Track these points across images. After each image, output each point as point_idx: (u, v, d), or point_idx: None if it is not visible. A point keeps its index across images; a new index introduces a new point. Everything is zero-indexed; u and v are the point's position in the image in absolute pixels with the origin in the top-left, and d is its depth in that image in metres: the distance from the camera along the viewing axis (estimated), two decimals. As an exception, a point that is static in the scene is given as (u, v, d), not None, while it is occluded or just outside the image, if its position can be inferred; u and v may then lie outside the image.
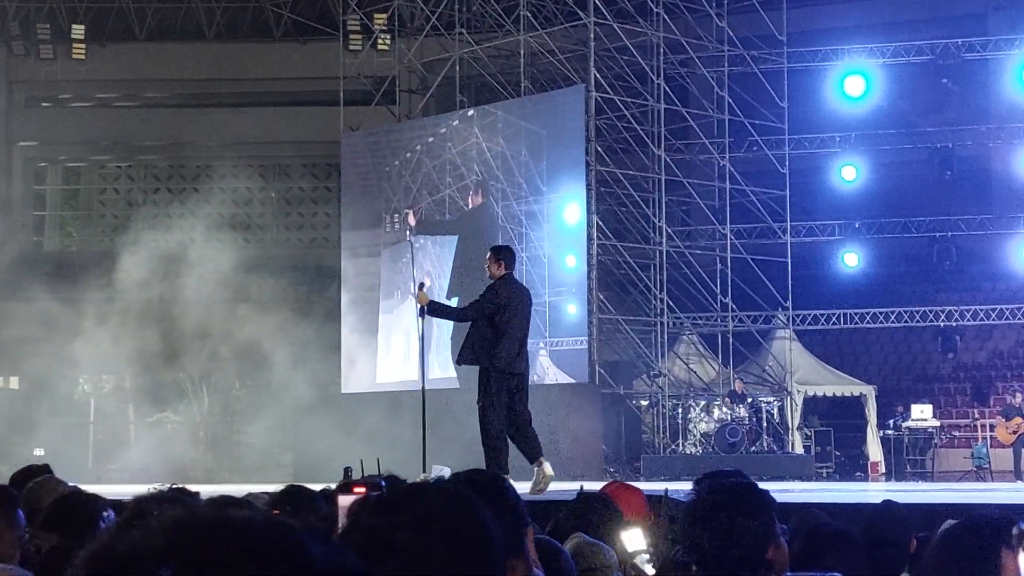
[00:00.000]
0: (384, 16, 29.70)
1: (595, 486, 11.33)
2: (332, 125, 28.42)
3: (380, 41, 30.03)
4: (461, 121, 25.64)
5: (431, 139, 25.79)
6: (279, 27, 33.32)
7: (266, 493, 6.99)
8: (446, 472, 12.51)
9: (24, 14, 33.26)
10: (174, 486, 7.46)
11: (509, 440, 12.11)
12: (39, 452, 23.38)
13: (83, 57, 32.86)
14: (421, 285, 12.78)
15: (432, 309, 12.46)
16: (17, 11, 33.17)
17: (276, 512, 6.28)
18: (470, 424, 12.99)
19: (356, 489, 3.08)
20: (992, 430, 25.05)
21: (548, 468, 12.05)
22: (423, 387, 12.89)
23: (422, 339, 12.78)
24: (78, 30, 32.78)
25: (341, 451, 17.00)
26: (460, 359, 12.42)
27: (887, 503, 6.52)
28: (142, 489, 9.22)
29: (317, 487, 7.34)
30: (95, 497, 6.00)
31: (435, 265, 25.00)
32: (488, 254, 12.39)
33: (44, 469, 7.10)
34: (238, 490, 7.42)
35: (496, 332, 11.94)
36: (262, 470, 22.50)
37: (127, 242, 27.64)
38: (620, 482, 6.47)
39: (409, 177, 25.85)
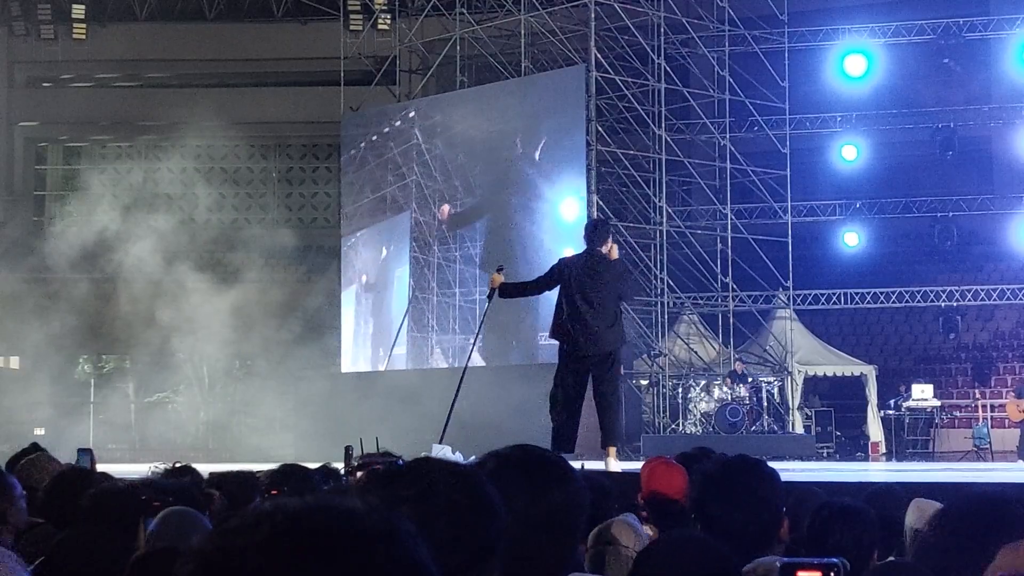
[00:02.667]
0: (384, -4, 29.65)
1: (596, 465, 11.36)
2: (333, 105, 28.39)
3: (381, 21, 29.98)
4: (457, 103, 25.67)
5: (425, 122, 25.79)
6: (280, 7, 33.27)
7: (260, 472, 7.01)
8: (446, 451, 12.54)
9: (25, -6, 33.21)
10: (178, 464, 7.48)
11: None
12: (40, 432, 23.44)
13: (84, 37, 32.82)
14: (500, 268, 12.51)
15: (503, 291, 12.18)
16: (18, -9, 33.12)
17: (275, 492, 6.30)
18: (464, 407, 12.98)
19: (375, 467, 3.11)
20: (994, 410, 25.07)
21: (613, 458, 11.94)
22: (465, 365, 12.87)
23: (482, 321, 12.72)
24: (79, 10, 32.72)
25: (341, 430, 17.02)
26: (550, 334, 12.28)
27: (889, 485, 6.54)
28: (143, 468, 9.25)
29: (315, 466, 7.37)
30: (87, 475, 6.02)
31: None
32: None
33: (35, 449, 7.14)
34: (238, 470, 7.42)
35: (556, 311, 11.89)
36: (263, 450, 22.52)
37: (127, 221, 27.64)
38: (663, 459, 6.32)
39: (405, 166, 25.82)
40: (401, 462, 3.16)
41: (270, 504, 1.50)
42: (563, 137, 23.52)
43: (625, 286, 12.25)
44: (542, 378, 21.25)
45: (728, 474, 3.81)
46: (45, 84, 34.07)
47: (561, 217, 23.04)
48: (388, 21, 29.85)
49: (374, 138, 26.64)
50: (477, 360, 21.06)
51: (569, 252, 12.70)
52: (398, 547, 1.49)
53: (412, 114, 26.06)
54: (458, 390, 12.31)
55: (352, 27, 29.97)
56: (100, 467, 7.91)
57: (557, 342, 12.17)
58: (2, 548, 2.81)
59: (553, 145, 23.54)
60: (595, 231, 12.02)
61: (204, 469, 7.64)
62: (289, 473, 6.78)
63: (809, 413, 25.42)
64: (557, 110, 23.80)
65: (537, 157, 23.71)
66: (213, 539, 1.47)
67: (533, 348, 22.56)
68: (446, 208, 24.35)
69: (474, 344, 13.04)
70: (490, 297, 12.23)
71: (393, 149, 26.09)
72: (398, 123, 26.25)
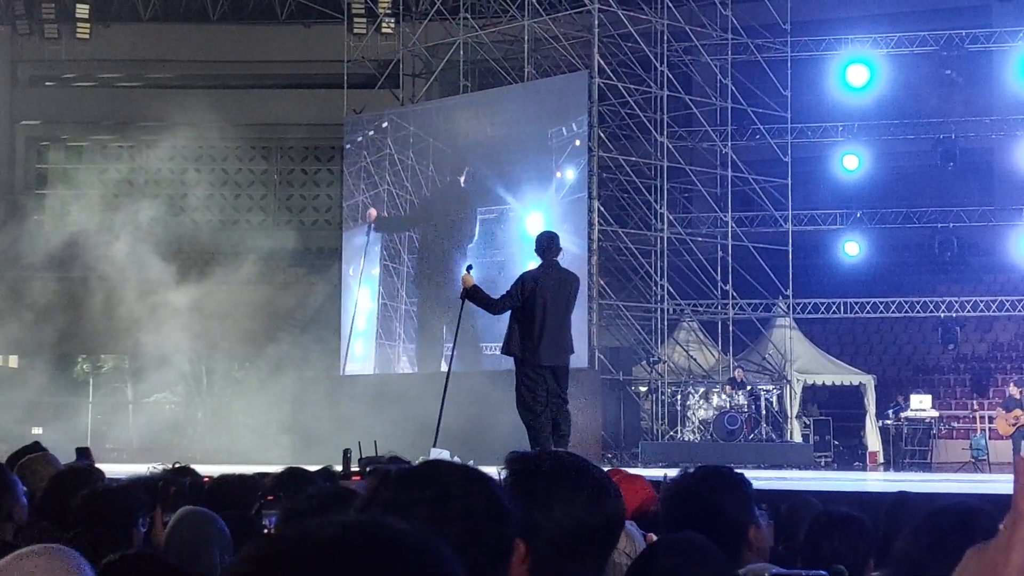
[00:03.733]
0: (388, 0, 29.67)
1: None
2: (336, 108, 28.42)
3: (384, 25, 30.01)
4: (460, 107, 25.73)
5: (398, 133, 25.92)
6: (284, 9, 33.30)
7: (264, 474, 7.03)
8: (445, 455, 12.53)
9: (29, -7, 33.25)
10: (178, 464, 7.50)
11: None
12: (37, 431, 23.43)
13: (87, 37, 32.86)
14: (469, 267, 12.52)
15: (471, 294, 12.09)
16: (22, -10, 33.15)
17: (271, 498, 6.30)
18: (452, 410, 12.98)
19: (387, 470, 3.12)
20: (991, 422, 25.07)
21: None
22: (448, 370, 12.83)
23: (459, 322, 12.70)
24: (83, 10, 32.76)
25: (340, 433, 17.02)
26: (502, 350, 12.28)
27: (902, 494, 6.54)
28: (141, 469, 9.26)
29: (315, 468, 7.38)
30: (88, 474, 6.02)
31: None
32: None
33: (36, 448, 7.15)
34: (236, 471, 7.44)
35: (519, 325, 11.86)
36: (260, 451, 22.52)
37: (127, 221, 27.64)
38: (620, 470, 6.35)
39: (402, 169, 25.88)
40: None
41: (327, 518, 1.55)
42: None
43: (576, 299, 12.42)
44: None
45: (686, 487, 3.80)
46: (48, 83, 34.09)
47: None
48: (392, 25, 29.89)
49: (359, 139, 26.77)
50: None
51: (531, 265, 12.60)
52: (443, 568, 1.54)
53: (386, 124, 26.22)
54: (444, 394, 12.32)
55: (356, 30, 30.00)
56: (106, 465, 7.92)
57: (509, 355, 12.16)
58: (64, 548, 2.85)
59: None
60: (551, 244, 12.12)
61: (201, 470, 7.66)
62: (291, 477, 6.80)
63: (807, 422, 25.42)
64: (559, 115, 23.82)
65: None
66: (270, 545, 1.51)
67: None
68: (373, 212, 24.87)
69: (454, 347, 12.96)
70: (463, 298, 12.19)
71: (367, 158, 26.29)
72: (371, 132, 26.42)
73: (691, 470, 3.89)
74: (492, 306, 12.22)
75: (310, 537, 1.50)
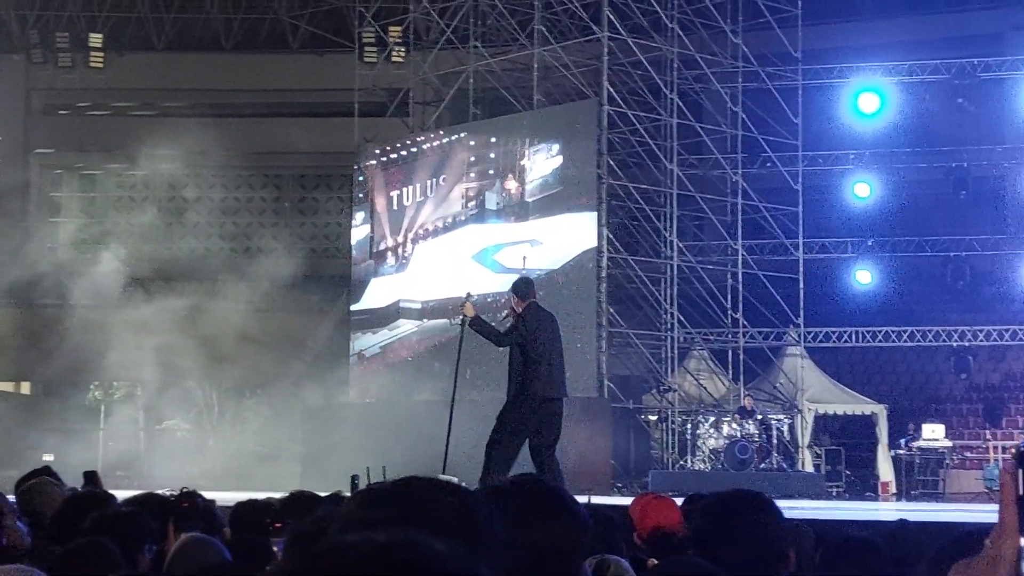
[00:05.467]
0: (399, 29, 29.80)
1: (604, 501, 11.34)
2: (347, 136, 28.50)
3: (395, 54, 30.11)
4: (467, 133, 25.86)
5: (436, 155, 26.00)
6: (296, 39, 33.45)
7: (272, 499, 7.03)
8: (453, 482, 12.51)
9: (44, 22, 33.44)
10: (185, 489, 7.51)
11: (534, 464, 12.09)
12: (48, 457, 23.41)
13: (101, 66, 33.02)
14: (468, 295, 12.70)
15: (475, 323, 12.28)
16: (37, 19, 33.35)
17: (279, 525, 6.30)
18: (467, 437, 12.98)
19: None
20: (1004, 451, 24.94)
21: None
22: (452, 397, 12.84)
23: (460, 350, 12.73)
24: (96, 39, 32.94)
25: (349, 459, 17.00)
26: (508, 392, 12.29)
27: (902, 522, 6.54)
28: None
29: (324, 494, 7.38)
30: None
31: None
32: (510, 292, 12.50)
33: (45, 473, 7.14)
34: (244, 499, 7.43)
35: (528, 361, 11.99)
36: (270, 478, 22.48)
37: (140, 249, 27.70)
38: (652, 494, 6.35)
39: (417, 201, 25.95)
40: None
41: (358, 535, 1.53)
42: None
43: None
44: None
45: (728, 508, 3.79)
46: (62, 112, 34.23)
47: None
48: (403, 54, 29.98)
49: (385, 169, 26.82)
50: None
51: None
52: None
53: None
54: (450, 421, 12.33)
55: (367, 59, 30.10)
56: (115, 492, 7.91)
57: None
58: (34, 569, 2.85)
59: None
60: (531, 286, 12.64)
61: (212, 497, 7.65)
62: (299, 501, 6.80)
63: (819, 451, 25.32)
64: (569, 143, 23.86)
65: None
66: (301, 561, 1.50)
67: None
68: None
69: (456, 374, 12.95)
70: (462, 325, 12.23)
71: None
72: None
73: (721, 493, 3.87)
74: (500, 338, 12.28)
75: (346, 554, 1.48)
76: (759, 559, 3.56)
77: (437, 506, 2.15)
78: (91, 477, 8.18)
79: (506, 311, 12.56)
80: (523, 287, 12.46)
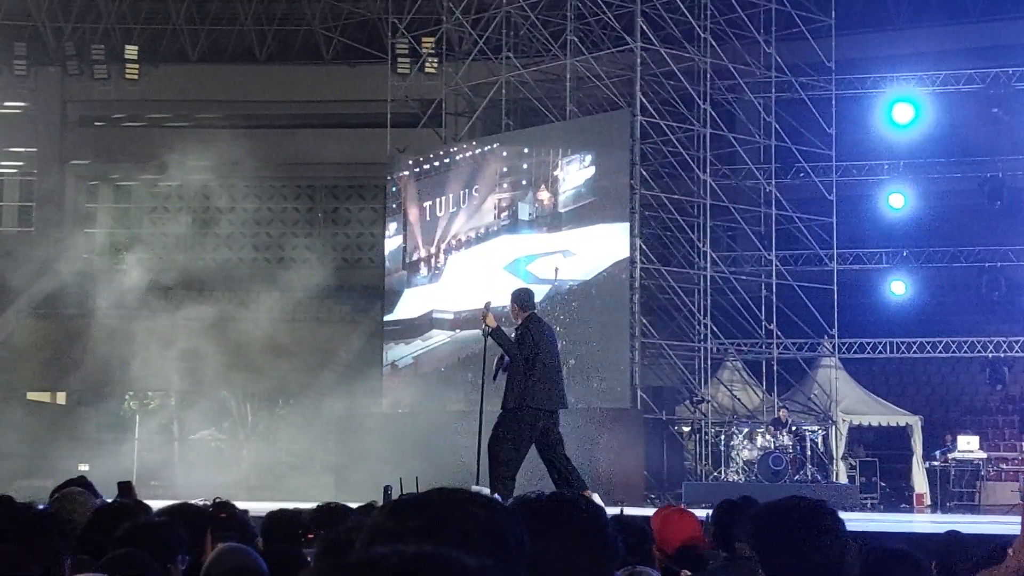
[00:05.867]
0: (432, 40, 29.86)
1: (636, 512, 11.32)
2: (380, 147, 28.57)
3: (428, 64, 30.18)
4: (499, 144, 25.87)
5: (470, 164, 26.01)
6: (329, 50, 33.57)
7: (300, 509, 7.04)
8: (484, 492, 12.50)
9: (80, 34, 33.68)
10: (218, 499, 7.52)
11: (550, 474, 12.11)
12: (84, 467, 23.54)
13: (136, 77, 33.23)
14: (487, 305, 12.59)
15: (495, 333, 12.23)
16: (73, 31, 33.59)
17: (311, 536, 6.31)
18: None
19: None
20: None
21: (596, 499, 11.90)
22: (481, 408, 12.84)
23: (484, 359, 12.72)
24: (132, 51, 33.15)
25: (381, 470, 17.03)
26: (505, 403, 12.27)
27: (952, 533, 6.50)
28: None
29: (356, 504, 7.39)
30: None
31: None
32: (510, 302, 12.49)
33: (80, 482, 7.15)
34: (276, 509, 7.45)
35: (531, 371, 12.01)
36: (304, 488, 22.55)
37: (174, 260, 27.82)
38: (673, 505, 6.34)
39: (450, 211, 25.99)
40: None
41: (387, 548, 1.55)
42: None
43: None
44: (580, 420, 21.24)
45: (791, 516, 3.75)
46: (98, 123, 34.45)
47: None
48: (435, 65, 30.05)
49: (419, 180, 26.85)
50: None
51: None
52: None
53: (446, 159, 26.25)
54: (480, 431, 12.31)
55: (400, 70, 30.17)
56: (150, 502, 7.93)
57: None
58: None
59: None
60: (531, 297, 12.74)
61: (245, 507, 7.66)
62: (330, 512, 6.81)
63: (853, 463, 25.19)
64: (602, 154, 23.86)
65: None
66: (330, 572, 1.50)
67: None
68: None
69: (483, 385, 12.92)
70: (484, 336, 12.27)
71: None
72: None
73: (780, 501, 3.84)
74: (514, 350, 12.26)
75: (375, 566, 1.47)
76: (822, 567, 3.54)
77: (466, 518, 2.15)
78: (125, 487, 8.18)
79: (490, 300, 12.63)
80: (525, 298, 12.50)
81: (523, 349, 12.04)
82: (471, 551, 2.09)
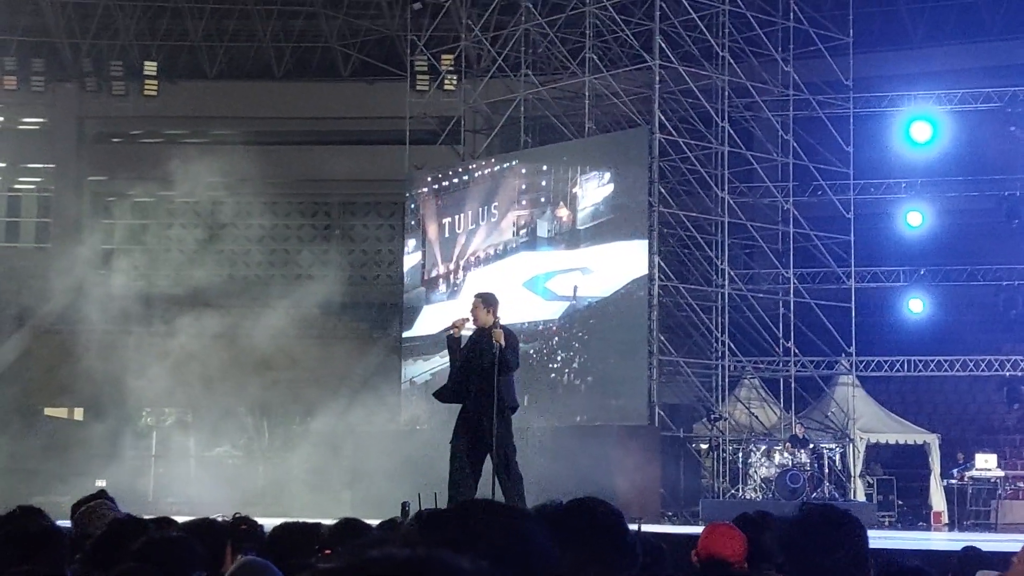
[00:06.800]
0: (451, 57, 29.94)
1: (653, 529, 11.30)
2: (397, 164, 28.62)
3: (446, 81, 30.24)
4: (518, 161, 25.89)
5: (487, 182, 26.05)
6: (347, 67, 33.67)
7: (319, 524, 7.03)
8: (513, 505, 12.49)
9: (97, 51, 33.83)
10: (238, 515, 7.52)
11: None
12: (100, 483, 23.58)
13: (154, 94, 33.36)
14: (495, 323, 12.58)
15: (508, 347, 12.24)
16: (90, 48, 33.74)
17: (328, 552, 6.31)
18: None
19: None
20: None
21: None
22: (494, 424, 12.83)
23: (496, 375, 12.75)
24: (150, 67, 33.29)
25: (398, 486, 17.02)
26: (505, 406, 12.30)
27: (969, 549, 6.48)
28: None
29: (375, 521, 7.38)
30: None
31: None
32: (475, 300, 12.49)
33: (101, 496, 7.17)
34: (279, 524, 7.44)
35: (506, 375, 12.15)
36: (320, 505, 22.52)
37: (191, 276, 27.87)
38: (726, 523, 6.30)
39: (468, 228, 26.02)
40: None
41: (381, 551, 1.56)
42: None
43: None
44: (596, 436, 21.21)
45: (821, 523, 3.78)
46: (115, 139, 34.58)
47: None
48: (454, 82, 30.11)
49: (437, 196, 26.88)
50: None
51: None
52: None
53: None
54: (493, 447, 12.32)
55: (418, 87, 30.25)
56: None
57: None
58: None
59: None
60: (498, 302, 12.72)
61: (261, 523, 7.65)
62: (348, 528, 6.80)
63: (871, 481, 25.12)
64: (620, 171, 23.87)
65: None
66: (324, 572, 1.51)
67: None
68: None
69: (495, 400, 12.94)
70: (495, 353, 12.31)
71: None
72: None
73: (812, 509, 3.87)
74: (514, 360, 12.36)
75: (366, 568, 1.48)
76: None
77: (496, 530, 2.18)
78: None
79: (463, 319, 12.50)
80: (494, 300, 12.54)
81: (515, 354, 12.19)
82: (501, 562, 2.11)
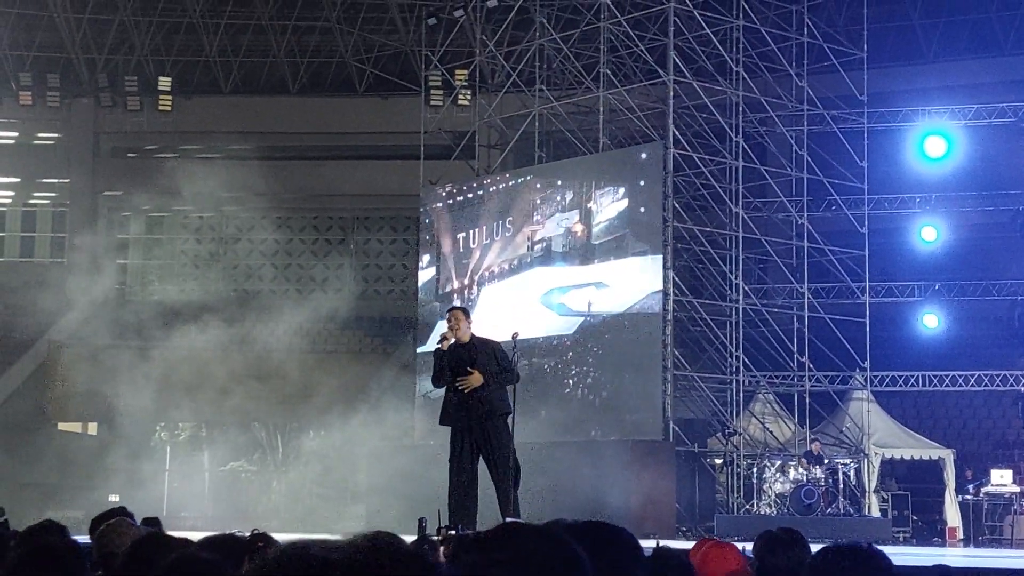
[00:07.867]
0: (465, 72, 30.01)
1: (670, 544, 11.28)
2: (412, 179, 28.68)
3: (461, 97, 30.31)
4: (532, 176, 25.91)
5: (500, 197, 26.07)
6: (362, 82, 33.76)
7: (327, 540, 7.02)
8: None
9: (112, 66, 33.96)
10: (256, 531, 7.52)
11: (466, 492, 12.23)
12: (114, 498, 23.61)
13: (169, 109, 33.49)
14: (515, 335, 12.81)
15: (502, 358, 12.52)
16: (106, 63, 33.88)
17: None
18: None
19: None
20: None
21: None
22: (510, 437, 12.88)
23: (515, 391, 12.82)
24: (165, 82, 33.42)
25: (413, 501, 17.03)
26: (504, 412, 12.41)
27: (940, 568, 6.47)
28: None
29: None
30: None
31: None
32: (458, 314, 12.66)
33: (120, 513, 7.18)
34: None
35: (501, 385, 12.38)
36: (334, 520, 22.55)
37: (205, 291, 27.93)
38: (708, 539, 6.31)
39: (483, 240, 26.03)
40: None
41: (291, 545, 1.65)
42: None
43: None
44: (612, 451, 21.17)
45: (848, 561, 3.78)
46: (130, 154, 34.70)
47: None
48: (468, 97, 30.18)
49: (451, 211, 26.89)
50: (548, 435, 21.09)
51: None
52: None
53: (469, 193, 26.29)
54: (509, 463, 12.38)
55: (432, 102, 30.31)
56: (181, 533, 7.94)
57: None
58: None
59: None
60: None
61: (278, 539, 7.66)
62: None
63: (885, 496, 25.06)
64: (634, 186, 23.88)
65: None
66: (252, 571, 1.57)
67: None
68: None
69: (513, 416, 13.02)
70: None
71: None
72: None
73: (833, 547, 3.89)
74: (515, 373, 12.53)
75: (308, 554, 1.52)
76: None
77: (548, 552, 2.22)
78: (153, 524, 8.19)
79: (448, 333, 12.66)
80: (470, 313, 12.92)
81: (508, 361, 12.34)
82: None
